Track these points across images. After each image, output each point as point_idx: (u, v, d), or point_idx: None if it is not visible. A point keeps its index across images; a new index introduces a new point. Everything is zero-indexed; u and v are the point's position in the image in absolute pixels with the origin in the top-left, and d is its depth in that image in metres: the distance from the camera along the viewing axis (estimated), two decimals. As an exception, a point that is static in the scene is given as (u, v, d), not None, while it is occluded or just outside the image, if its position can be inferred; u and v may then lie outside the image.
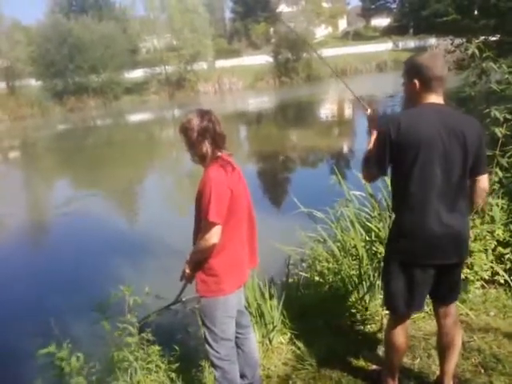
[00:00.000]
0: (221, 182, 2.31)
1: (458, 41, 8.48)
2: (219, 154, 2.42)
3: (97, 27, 37.57)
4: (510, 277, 3.66)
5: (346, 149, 15.46)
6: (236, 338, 2.60)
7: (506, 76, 3.79)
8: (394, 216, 2.50)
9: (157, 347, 2.93)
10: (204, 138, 2.36)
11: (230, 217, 2.34)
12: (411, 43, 44.85)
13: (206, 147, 2.37)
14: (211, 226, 2.28)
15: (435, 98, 2.30)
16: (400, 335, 2.52)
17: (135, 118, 31.19)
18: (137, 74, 38.14)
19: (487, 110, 3.64)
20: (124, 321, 2.82)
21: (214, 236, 2.29)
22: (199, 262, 2.40)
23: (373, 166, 2.37)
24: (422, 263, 2.35)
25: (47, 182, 15.56)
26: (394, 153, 2.26)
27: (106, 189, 12.77)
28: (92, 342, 2.85)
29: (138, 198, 12.11)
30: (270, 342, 3.25)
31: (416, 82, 2.28)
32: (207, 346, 2.50)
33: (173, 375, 2.92)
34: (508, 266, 3.72)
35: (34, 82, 36.94)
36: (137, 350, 2.78)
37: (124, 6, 45.56)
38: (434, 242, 2.30)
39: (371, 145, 2.46)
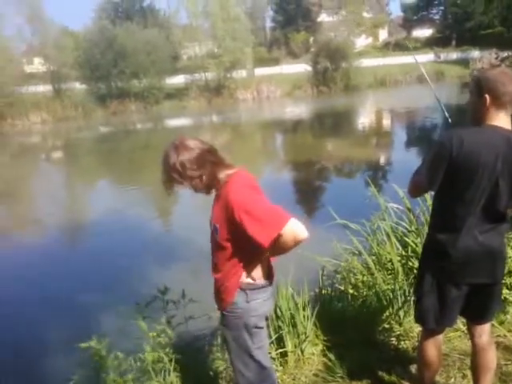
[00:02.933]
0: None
1: (502, 54, 8.31)
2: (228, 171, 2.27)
3: (141, 34, 38.55)
4: (551, 299, 3.56)
5: (382, 160, 15.29)
6: None
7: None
8: (430, 231, 2.48)
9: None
10: (200, 168, 2.20)
11: None
12: (453, 55, 44.06)
13: (207, 174, 2.21)
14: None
15: (504, 116, 2.24)
16: (432, 350, 2.51)
17: (174, 122, 31.76)
18: (177, 80, 38.88)
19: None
20: (161, 322, 2.90)
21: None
22: None
23: (424, 180, 2.31)
24: (456, 281, 2.35)
25: (87, 183, 16.03)
26: (449, 170, 2.22)
27: (143, 191, 13.04)
28: (128, 341, 2.92)
29: (174, 200, 12.31)
30: (302, 352, 3.26)
31: (487, 97, 2.22)
32: None
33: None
34: (549, 288, 3.62)
35: (78, 86, 38.16)
36: (171, 353, 2.85)
37: (168, 13, 46.56)
38: (468, 261, 2.29)
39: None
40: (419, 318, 2.55)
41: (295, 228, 2.03)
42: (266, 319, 2.47)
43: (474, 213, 2.24)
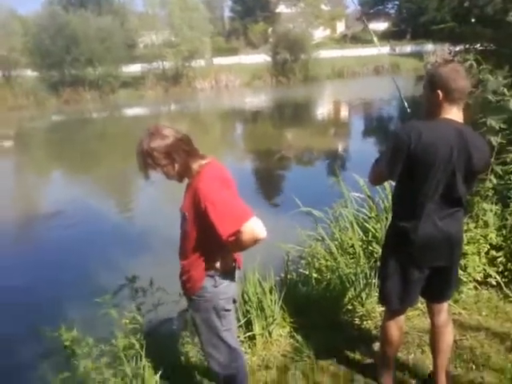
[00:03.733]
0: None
1: (454, 48, 8.64)
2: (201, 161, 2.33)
3: (94, 20, 37.37)
4: (502, 279, 3.80)
5: (341, 150, 15.62)
6: None
7: (502, 88, 3.91)
8: (392, 219, 2.62)
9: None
10: (173, 156, 2.25)
11: None
12: (408, 48, 45.20)
13: (180, 162, 2.27)
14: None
15: (456, 111, 2.36)
16: (394, 329, 2.66)
17: (131, 111, 31.14)
18: (134, 68, 38.01)
19: (483, 120, 3.77)
20: (131, 310, 2.92)
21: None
22: None
23: (384, 170, 2.42)
24: (418, 265, 2.49)
25: (40, 173, 15.55)
26: (408, 162, 2.32)
27: (99, 181, 12.82)
28: (97, 330, 2.92)
29: (131, 190, 12.17)
30: (270, 334, 3.36)
31: (439, 92, 2.32)
32: None
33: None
34: (500, 269, 3.86)
35: (30, 73, 36.70)
36: (142, 339, 2.87)
37: (123, 1, 45.31)
38: (430, 246, 2.43)
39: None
40: (383, 300, 2.69)
41: (255, 227, 2.10)
42: (234, 302, 2.54)
43: (432, 201, 2.37)
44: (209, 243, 2.29)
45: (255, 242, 2.14)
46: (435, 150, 2.29)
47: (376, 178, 2.61)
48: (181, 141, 2.27)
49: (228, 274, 2.42)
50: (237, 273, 2.51)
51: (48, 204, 10.87)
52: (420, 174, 2.34)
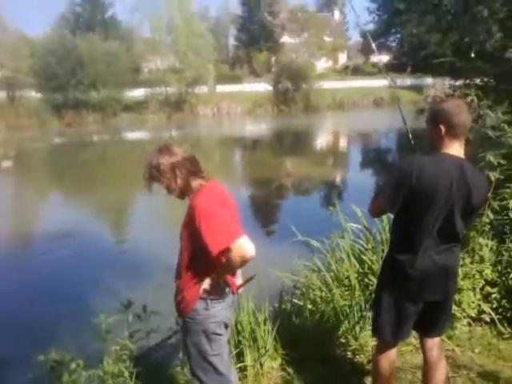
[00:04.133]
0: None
1: (454, 83, 8.77)
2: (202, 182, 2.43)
3: (101, 44, 37.99)
4: (496, 316, 3.77)
5: (339, 180, 15.70)
6: None
7: (502, 123, 3.97)
8: (389, 251, 2.62)
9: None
10: (176, 172, 2.38)
11: None
12: (408, 81, 45.82)
13: (182, 180, 2.38)
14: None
15: (458, 146, 2.40)
16: (386, 363, 2.64)
17: (132, 136, 31.35)
18: (137, 93, 38.37)
19: (482, 154, 3.81)
20: (123, 336, 2.89)
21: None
22: None
23: (385, 203, 2.44)
24: (413, 299, 2.49)
25: (37, 195, 15.51)
26: (408, 196, 2.34)
27: (96, 206, 12.80)
28: (90, 355, 2.89)
29: (129, 215, 12.16)
30: (261, 366, 3.32)
31: (442, 127, 2.36)
32: None
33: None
34: (494, 306, 3.84)
35: (34, 94, 37.08)
36: (132, 367, 2.83)
37: (131, 26, 46.15)
38: (426, 280, 2.44)
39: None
40: (376, 332, 2.67)
41: (244, 245, 2.15)
42: (226, 327, 2.53)
43: (430, 235, 2.39)
44: (201, 263, 2.33)
45: (244, 261, 2.18)
46: (436, 185, 2.31)
47: (376, 211, 2.63)
48: (187, 160, 2.41)
49: (220, 297, 2.43)
50: (231, 298, 2.52)
51: (43, 226, 10.82)
52: (419, 208, 2.36)
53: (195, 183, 2.41)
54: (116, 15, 53.31)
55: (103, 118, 36.60)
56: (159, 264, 6.58)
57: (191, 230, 2.30)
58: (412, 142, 2.94)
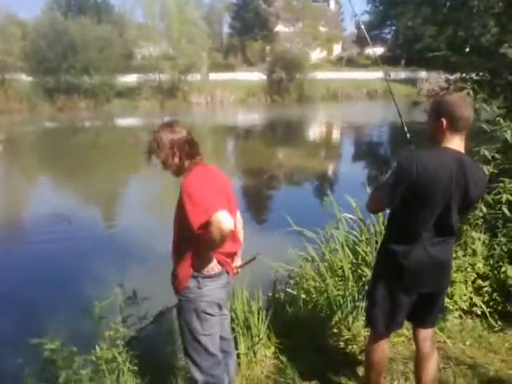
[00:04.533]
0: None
1: (449, 76, 8.79)
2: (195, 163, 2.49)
3: (93, 29, 37.48)
4: (487, 309, 3.82)
5: (331, 171, 15.72)
6: None
7: (497, 117, 3.99)
8: (384, 243, 2.63)
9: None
10: (174, 150, 2.45)
11: None
12: (402, 74, 45.87)
13: (179, 158, 2.45)
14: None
15: (458, 140, 2.39)
16: (378, 353, 2.66)
17: (124, 122, 31.12)
18: (130, 78, 37.97)
19: (477, 149, 3.83)
20: (116, 322, 2.88)
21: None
22: None
23: (386, 199, 2.43)
24: (408, 290, 2.51)
25: (27, 179, 15.39)
26: (409, 191, 2.34)
27: (87, 191, 12.71)
28: (83, 341, 2.87)
29: (121, 201, 12.10)
30: (255, 354, 3.33)
31: (444, 120, 2.34)
32: None
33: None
34: (486, 299, 3.88)
35: (25, 78, 36.58)
36: (125, 351, 2.83)
37: (123, 10, 45.54)
38: (419, 272, 2.46)
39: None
40: (370, 323, 2.69)
41: (222, 218, 2.21)
42: (220, 308, 2.55)
43: (426, 228, 2.40)
44: (190, 240, 2.39)
45: (223, 235, 2.23)
46: (436, 181, 2.31)
47: (375, 207, 2.63)
48: (186, 140, 2.48)
49: (214, 276, 2.46)
50: (225, 278, 2.55)
51: (33, 210, 10.73)
52: (418, 202, 2.37)
53: (189, 164, 2.46)
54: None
55: (95, 103, 36.23)
56: (152, 249, 6.57)
57: (178, 208, 2.42)
58: (407, 135, 2.93)
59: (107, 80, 36.68)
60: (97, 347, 2.86)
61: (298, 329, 3.50)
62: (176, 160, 2.45)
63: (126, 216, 10.21)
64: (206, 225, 2.23)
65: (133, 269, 6.26)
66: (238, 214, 2.70)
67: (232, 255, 2.60)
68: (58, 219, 9.12)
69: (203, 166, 2.52)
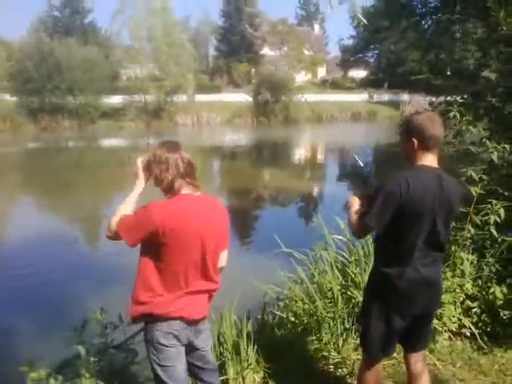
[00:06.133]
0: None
1: (432, 99, 8.93)
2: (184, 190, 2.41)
3: (79, 50, 37.57)
4: (476, 330, 3.80)
5: (316, 192, 15.78)
6: None
7: (482, 139, 4.04)
8: (376, 266, 2.61)
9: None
10: (168, 167, 2.40)
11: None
12: (385, 97, 46.72)
13: (171, 175, 2.39)
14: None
15: (432, 157, 2.44)
16: (373, 377, 2.62)
17: (109, 143, 30.94)
18: (115, 100, 38.01)
19: (463, 170, 3.86)
20: (97, 346, 2.79)
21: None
22: None
23: (373, 223, 2.41)
24: (402, 312, 2.48)
25: (9, 200, 15.09)
26: (396, 214, 2.35)
27: (70, 212, 12.52)
28: (66, 368, 2.77)
29: (102, 222, 11.94)
30: (243, 379, 3.25)
31: (414, 140, 2.40)
32: None
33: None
34: (474, 320, 3.87)
35: (9, 98, 36.31)
36: (109, 378, 2.73)
37: (110, 33, 45.77)
38: (413, 293, 2.45)
39: (358, 206, 2.58)
40: (365, 347, 2.64)
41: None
42: (178, 339, 2.40)
43: (416, 248, 2.40)
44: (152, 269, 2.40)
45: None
46: (422, 200, 2.34)
47: (363, 232, 2.62)
48: (183, 162, 2.41)
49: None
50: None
51: (14, 231, 10.50)
52: (407, 223, 2.37)
53: (179, 184, 2.38)
54: (96, 21, 53.01)
55: (80, 124, 36.09)
56: (133, 271, 6.44)
57: None
58: (362, 164, 2.94)
59: (92, 101, 36.64)
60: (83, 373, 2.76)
61: (287, 352, 3.44)
62: (168, 178, 2.38)
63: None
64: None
65: (115, 290, 6.14)
66: (224, 253, 2.57)
67: (201, 292, 2.45)
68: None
69: (191, 195, 2.41)
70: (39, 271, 7.56)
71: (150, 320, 2.36)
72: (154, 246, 2.32)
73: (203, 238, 2.36)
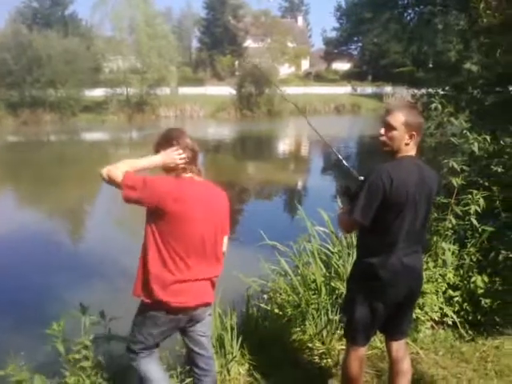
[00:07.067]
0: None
1: (415, 91, 9.00)
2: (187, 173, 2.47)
3: (59, 42, 36.95)
4: (458, 319, 3.85)
5: (300, 185, 15.82)
6: None
7: (464, 131, 4.08)
8: (359, 256, 2.63)
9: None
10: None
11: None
12: (369, 89, 46.96)
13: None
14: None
15: (414, 147, 2.48)
16: (357, 366, 2.65)
17: (91, 136, 30.57)
18: (97, 92, 37.54)
19: (445, 161, 3.90)
20: (79, 343, 2.76)
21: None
22: None
23: (360, 218, 2.41)
24: (385, 300, 2.51)
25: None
26: (381, 206, 2.37)
27: (51, 207, 12.37)
28: (46, 365, 2.74)
29: (85, 217, 11.83)
30: (228, 372, 3.25)
31: (414, 134, 2.42)
32: None
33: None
34: (456, 309, 3.92)
35: (-13, 91, 35.60)
36: (93, 374, 2.71)
37: (91, 24, 45.04)
38: (395, 281, 2.48)
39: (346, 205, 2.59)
40: (350, 337, 2.66)
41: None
42: (175, 324, 2.46)
43: (399, 238, 2.43)
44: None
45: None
46: (406, 191, 2.37)
47: (351, 227, 2.66)
48: (188, 145, 2.49)
49: None
50: None
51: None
52: (391, 214, 2.40)
53: (183, 169, 2.45)
54: (76, 13, 52.18)
55: (61, 117, 35.57)
56: (116, 266, 6.41)
57: None
58: (345, 163, 2.94)
59: (73, 94, 36.14)
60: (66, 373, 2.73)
61: (272, 345, 3.45)
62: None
63: (92, 231, 9.98)
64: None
65: (97, 285, 6.09)
66: (225, 238, 2.65)
67: (203, 279, 2.48)
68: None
69: (193, 179, 2.47)
70: (18, 265, 7.47)
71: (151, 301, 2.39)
72: (159, 219, 2.34)
73: (203, 222, 2.42)
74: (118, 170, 2.31)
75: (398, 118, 2.44)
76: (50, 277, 6.87)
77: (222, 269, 2.58)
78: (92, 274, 6.73)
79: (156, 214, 2.33)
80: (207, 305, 2.54)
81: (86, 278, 6.55)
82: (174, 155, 2.42)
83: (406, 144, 2.44)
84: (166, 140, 2.49)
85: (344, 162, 2.89)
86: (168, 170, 2.48)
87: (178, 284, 2.36)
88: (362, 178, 2.55)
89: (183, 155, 2.43)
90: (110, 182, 2.32)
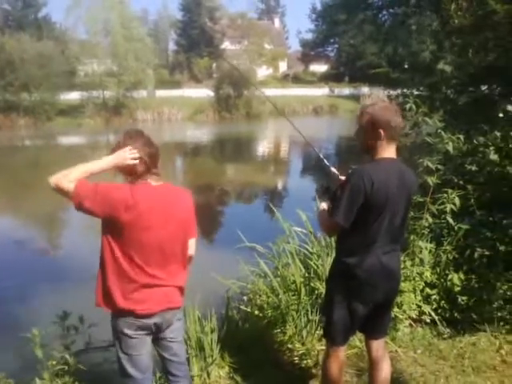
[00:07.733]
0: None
1: (390, 92, 9.12)
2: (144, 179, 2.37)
3: (33, 45, 36.35)
4: (436, 316, 3.90)
5: (280, 186, 15.85)
6: None
7: (438, 130, 4.13)
8: (338, 256, 2.63)
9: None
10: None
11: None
12: (346, 90, 47.42)
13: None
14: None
15: (393, 148, 2.46)
16: (336, 366, 2.65)
17: (67, 140, 30.13)
18: (73, 96, 37.03)
19: (421, 160, 3.95)
20: (59, 349, 2.71)
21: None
22: None
23: (341, 221, 2.39)
24: (364, 300, 2.52)
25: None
26: (362, 207, 2.36)
27: (26, 213, 12.14)
28: (25, 372, 2.68)
29: (60, 222, 11.65)
30: (208, 375, 3.23)
31: (381, 131, 2.39)
32: None
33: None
34: (434, 306, 3.97)
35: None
36: (72, 381, 2.66)
37: (65, 27, 44.40)
38: (373, 280, 2.49)
39: (326, 205, 2.59)
40: (329, 337, 2.66)
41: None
42: (142, 329, 2.36)
43: (378, 238, 2.44)
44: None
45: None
46: (386, 193, 2.37)
47: (333, 230, 2.62)
48: (146, 148, 2.37)
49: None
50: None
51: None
52: (371, 215, 2.40)
53: (142, 171, 2.35)
54: (50, 15, 51.47)
55: (36, 121, 34.97)
56: (94, 271, 6.30)
57: None
58: (326, 162, 2.94)
59: (48, 98, 35.58)
60: (37, 380, 2.66)
61: (252, 346, 3.44)
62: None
63: (67, 237, 9.83)
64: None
65: (72, 292, 5.99)
66: (192, 241, 2.54)
67: (163, 285, 2.38)
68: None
69: (150, 184, 2.37)
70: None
71: (114, 310, 2.33)
72: (113, 229, 2.26)
73: (160, 229, 2.32)
74: (68, 177, 2.21)
75: (364, 116, 2.46)
76: (25, 283, 6.73)
77: (187, 274, 2.49)
78: (68, 279, 6.62)
79: (111, 224, 2.25)
80: (173, 309, 2.44)
81: (62, 284, 6.44)
82: (125, 155, 2.31)
83: (373, 142, 2.42)
84: (121, 141, 2.40)
85: (325, 160, 2.86)
86: (126, 174, 2.38)
87: (137, 292, 2.29)
88: (342, 177, 2.56)
89: (136, 155, 2.32)
90: (59, 191, 2.22)
